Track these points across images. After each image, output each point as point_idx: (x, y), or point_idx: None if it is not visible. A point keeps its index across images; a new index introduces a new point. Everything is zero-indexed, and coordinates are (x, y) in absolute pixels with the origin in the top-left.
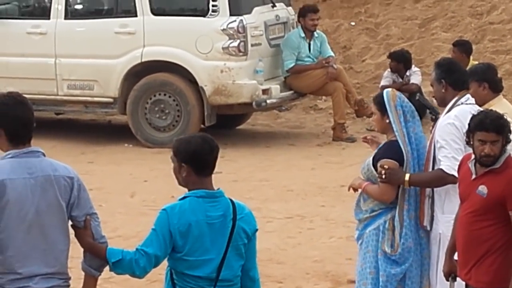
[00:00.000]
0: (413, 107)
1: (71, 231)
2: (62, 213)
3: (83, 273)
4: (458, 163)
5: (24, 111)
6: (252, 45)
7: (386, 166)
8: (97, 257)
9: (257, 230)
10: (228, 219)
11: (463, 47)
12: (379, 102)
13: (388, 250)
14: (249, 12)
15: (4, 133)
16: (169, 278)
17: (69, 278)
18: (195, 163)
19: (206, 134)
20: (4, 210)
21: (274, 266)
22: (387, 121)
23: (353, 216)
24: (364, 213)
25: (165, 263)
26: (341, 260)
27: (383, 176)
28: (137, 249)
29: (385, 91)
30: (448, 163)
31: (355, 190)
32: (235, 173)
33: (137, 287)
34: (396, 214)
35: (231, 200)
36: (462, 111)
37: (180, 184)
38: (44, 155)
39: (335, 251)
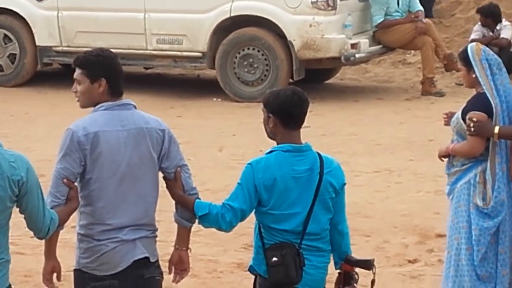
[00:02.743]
0: (499, 60)
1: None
2: (154, 166)
3: (171, 226)
4: None
5: (118, 65)
6: (341, 0)
7: (474, 119)
8: (186, 209)
9: (345, 184)
10: (314, 173)
11: None
12: (464, 57)
13: (480, 203)
14: None
15: (108, 85)
16: (258, 231)
17: (156, 230)
18: (283, 114)
19: (297, 87)
20: (96, 161)
21: (362, 220)
22: (473, 75)
23: (443, 170)
24: (454, 167)
25: (253, 217)
26: (429, 214)
27: (472, 129)
28: (223, 203)
29: (469, 45)
30: None
31: (446, 157)
32: (323, 127)
33: (225, 241)
34: (488, 168)
35: (319, 154)
36: None
37: (268, 136)
38: (135, 107)
39: (423, 205)
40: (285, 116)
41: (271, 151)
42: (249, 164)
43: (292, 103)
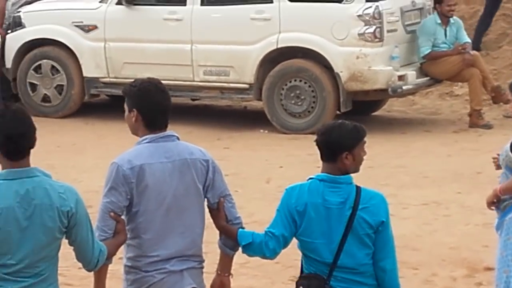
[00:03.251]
0: None
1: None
2: (199, 196)
3: (217, 258)
4: None
5: (163, 98)
6: (388, 31)
7: None
8: (229, 238)
9: (383, 222)
10: (347, 207)
11: None
12: None
13: None
14: None
15: (142, 117)
16: (301, 260)
17: (203, 261)
18: (319, 146)
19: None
20: (143, 194)
21: (410, 253)
22: None
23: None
24: (503, 201)
25: None
26: (478, 247)
27: None
28: (265, 231)
29: None
30: None
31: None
32: (371, 159)
33: (273, 273)
34: None
35: (358, 189)
36: None
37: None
38: (178, 139)
39: (471, 238)
40: (320, 148)
41: (309, 179)
42: (286, 190)
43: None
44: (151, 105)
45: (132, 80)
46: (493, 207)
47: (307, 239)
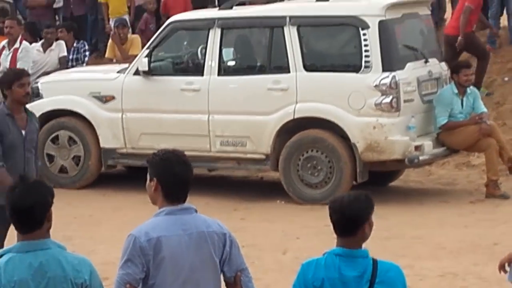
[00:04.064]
0: None
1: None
2: (216, 269)
3: None
4: None
5: (184, 171)
6: (404, 101)
7: None
8: None
9: None
10: (364, 280)
11: None
12: None
13: None
14: (402, 68)
15: (161, 188)
16: None
17: None
18: (333, 221)
19: (357, 192)
20: (160, 266)
21: None
22: None
23: (507, 278)
24: None
25: None
26: None
27: None
28: None
29: None
30: None
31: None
32: (387, 230)
33: None
34: None
35: (375, 262)
36: None
37: None
38: (196, 211)
39: None
40: (333, 223)
41: (325, 253)
42: (302, 265)
43: (337, 211)
44: (171, 176)
45: (150, 151)
46: (504, 271)
47: None
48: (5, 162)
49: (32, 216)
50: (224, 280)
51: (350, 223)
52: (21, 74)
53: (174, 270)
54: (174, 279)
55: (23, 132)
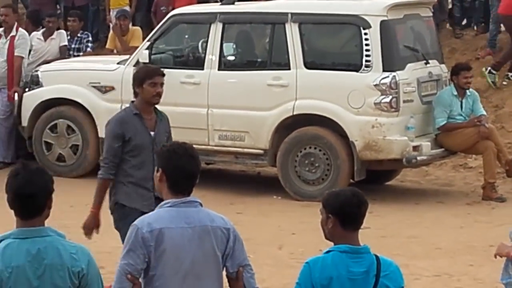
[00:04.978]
0: None
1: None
2: (218, 264)
3: None
4: None
5: (190, 164)
6: (404, 102)
7: None
8: None
9: (402, 287)
10: (370, 275)
11: None
12: None
13: None
14: (402, 68)
15: (166, 178)
16: None
17: None
18: (342, 215)
19: (356, 188)
20: (161, 258)
21: None
22: None
23: (500, 279)
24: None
25: None
26: None
27: None
28: None
29: None
30: None
31: (501, 256)
32: (383, 228)
33: None
34: None
35: (377, 257)
36: None
37: (326, 237)
38: (201, 205)
39: None
40: (344, 217)
41: (328, 251)
42: (306, 263)
43: (351, 204)
44: (175, 168)
45: None
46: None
47: None
48: (133, 163)
49: (35, 203)
50: (226, 276)
51: (361, 218)
52: (154, 73)
53: (175, 262)
54: (175, 272)
55: (152, 133)
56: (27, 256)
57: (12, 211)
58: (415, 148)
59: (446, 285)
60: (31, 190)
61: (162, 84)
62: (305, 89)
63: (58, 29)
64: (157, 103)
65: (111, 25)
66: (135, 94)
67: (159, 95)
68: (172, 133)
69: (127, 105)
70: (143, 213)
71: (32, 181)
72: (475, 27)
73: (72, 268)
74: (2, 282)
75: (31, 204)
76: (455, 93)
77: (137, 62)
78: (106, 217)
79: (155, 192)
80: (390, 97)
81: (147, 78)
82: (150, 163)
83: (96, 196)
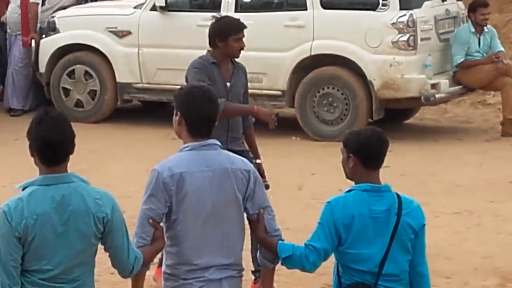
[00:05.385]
0: None
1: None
2: (238, 206)
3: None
4: None
5: (208, 107)
6: (421, 40)
7: None
8: (269, 250)
9: (424, 225)
10: (392, 213)
11: None
12: None
13: None
14: (419, 6)
15: (184, 122)
16: (336, 271)
17: (243, 269)
18: (363, 154)
19: (377, 127)
20: (182, 202)
21: (442, 261)
22: None
23: None
24: None
25: (333, 256)
26: (510, 256)
27: None
28: (305, 244)
29: None
30: None
31: None
32: (403, 167)
33: (305, 280)
34: None
35: (398, 195)
36: None
37: (347, 176)
38: (221, 147)
39: (504, 247)
40: (365, 156)
41: (349, 190)
42: (328, 203)
43: (372, 143)
44: (193, 111)
45: (165, 86)
46: None
47: (353, 251)
48: None
49: (62, 149)
50: (247, 218)
51: (382, 157)
52: (239, 28)
53: (196, 206)
54: (196, 215)
55: (228, 84)
56: (51, 202)
57: (29, 158)
58: (433, 86)
59: (467, 222)
60: (58, 137)
61: (243, 37)
62: (322, 29)
63: None
64: (238, 57)
65: None
66: (214, 46)
67: (242, 49)
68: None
69: (144, 49)
70: None
71: (58, 127)
72: None
73: (97, 214)
74: (27, 229)
75: (58, 150)
76: (473, 30)
77: (154, 6)
78: (124, 162)
79: (228, 145)
80: (408, 35)
81: (233, 34)
82: None
83: None
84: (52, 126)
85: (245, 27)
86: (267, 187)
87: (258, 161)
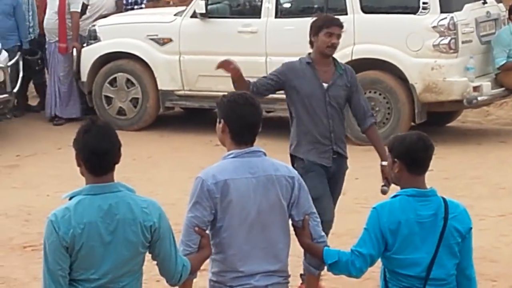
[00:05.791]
0: None
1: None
2: (283, 213)
3: (296, 271)
4: None
5: (252, 114)
6: (463, 42)
7: None
8: (315, 257)
9: (471, 228)
10: (439, 218)
11: None
12: None
13: None
14: (460, 9)
15: (228, 130)
16: (383, 276)
17: (289, 276)
18: (408, 159)
19: (422, 132)
20: (227, 209)
21: (488, 264)
22: None
23: None
24: None
25: (379, 261)
26: None
27: None
28: (352, 250)
29: None
30: None
31: None
32: (446, 170)
33: (350, 285)
34: None
35: (444, 199)
36: None
37: (392, 181)
38: (265, 154)
39: None
40: (411, 161)
41: (395, 196)
42: (374, 208)
43: (418, 148)
44: (237, 118)
45: (207, 92)
46: None
47: (400, 256)
48: (306, 112)
49: (108, 158)
50: (292, 225)
51: (427, 162)
52: (332, 22)
53: (241, 213)
54: (241, 222)
55: (325, 85)
56: (99, 212)
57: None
58: (476, 88)
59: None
60: (105, 146)
61: (339, 36)
62: (363, 33)
63: None
64: (330, 55)
65: None
66: (311, 44)
67: (333, 46)
68: (230, 82)
69: (185, 56)
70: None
71: (105, 136)
72: None
73: (144, 222)
74: (74, 238)
75: (105, 159)
76: None
77: (194, 13)
78: (167, 169)
79: (333, 146)
80: (449, 38)
81: (324, 27)
82: (324, 116)
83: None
84: (99, 136)
85: (341, 24)
86: (383, 191)
87: (383, 163)
